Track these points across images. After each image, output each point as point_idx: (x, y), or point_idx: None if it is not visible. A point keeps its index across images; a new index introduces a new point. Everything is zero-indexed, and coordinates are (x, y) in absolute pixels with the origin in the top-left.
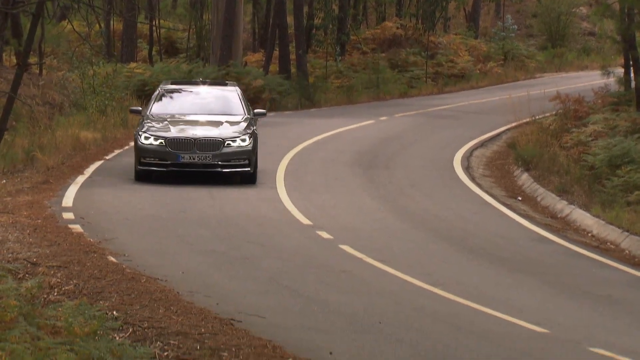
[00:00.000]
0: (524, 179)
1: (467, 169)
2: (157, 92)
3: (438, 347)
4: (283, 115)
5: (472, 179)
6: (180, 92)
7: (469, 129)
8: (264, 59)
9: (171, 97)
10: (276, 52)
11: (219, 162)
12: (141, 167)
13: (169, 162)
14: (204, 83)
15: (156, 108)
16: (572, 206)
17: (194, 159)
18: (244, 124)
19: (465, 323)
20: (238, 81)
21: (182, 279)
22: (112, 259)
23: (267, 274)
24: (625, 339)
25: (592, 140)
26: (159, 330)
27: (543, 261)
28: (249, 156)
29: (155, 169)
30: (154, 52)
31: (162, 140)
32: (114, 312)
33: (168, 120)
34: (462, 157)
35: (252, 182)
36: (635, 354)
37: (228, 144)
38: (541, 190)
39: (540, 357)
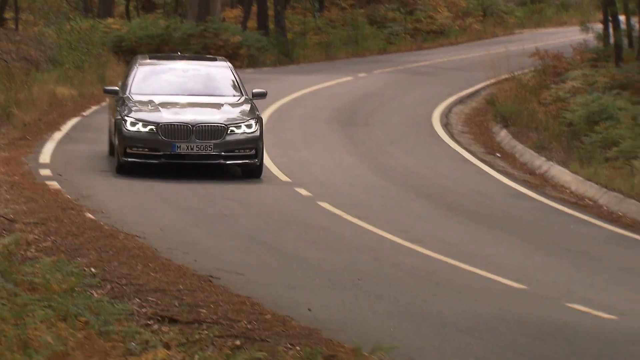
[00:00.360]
0: (503, 135)
1: (446, 125)
2: (135, 68)
3: (417, 303)
4: (261, 72)
5: (451, 136)
6: (162, 69)
7: (447, 85)
8: (242, 15)
9: (152, 75)
10: (254, 8)
11: (222, 153)
12: (127, 159)
13: (161, 152)
14: (183, 57)
15: (136, 87)
16: (551, 162)
17: (191, 148)
18: (247, 107)
19: (444, 279)
20: (216, 37)
21: (160, 236)
22: (89, 215)
23: (246, 231)
24: (603, 294)
25: (570, 96)
26: (137, 287)
27: (522, 218)
28: (256, 145)
29: (144, 161)
30: (131, 8)
31: (153, 127)
32: (92, 269)
33: (156, 102)
34: (441, 114)
35: (257, 176)
36: (612, 309)
37: (232, 130)
38: (520, 146)
39: (518, 313)
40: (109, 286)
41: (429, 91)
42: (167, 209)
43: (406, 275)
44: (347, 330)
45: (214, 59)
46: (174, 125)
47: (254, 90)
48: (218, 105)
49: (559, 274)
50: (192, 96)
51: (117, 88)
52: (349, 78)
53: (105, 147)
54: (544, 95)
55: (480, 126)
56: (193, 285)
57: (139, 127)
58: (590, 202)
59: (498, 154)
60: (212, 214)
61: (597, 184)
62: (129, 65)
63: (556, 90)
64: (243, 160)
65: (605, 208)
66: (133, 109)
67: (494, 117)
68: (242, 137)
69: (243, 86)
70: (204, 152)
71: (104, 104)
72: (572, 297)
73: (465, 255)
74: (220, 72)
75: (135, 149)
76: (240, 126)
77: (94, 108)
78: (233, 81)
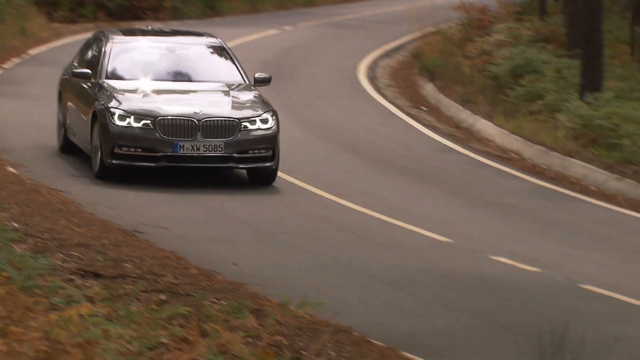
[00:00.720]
0: (429, 89)
1: (372, 79)
2: (107, 45)
3: (342, 258)
4: (186, 25)
5: (377, 90)
6: (141, 47)
7: (374, 39)
8: None
9: (131, 55)
10: None
11: (234, 155)
12: (115, 162)
13: (160, 153)
14: (163, 33)
15: (114, 71)
16: (476, 116)
17: (197, 149)
18: (255, 96)
19: (370, 233)
20: None
21: (84, 191)
22: (11, 169)
23: (171, 184)
24: (527, 247)
25: (495, 49)
26: (60, 241)
27: (447, 171)
28: (274, 145)
29: (137, 163)
30: None
31: (149, 122)
32: (14, 224)
33: (147, 90)
34: (367, 68)
35: (270, 182)
36: (536, 261)
37: (245, 126)
38: (445, 100)
39: (444, 266)
40: (31, 241)
41: (355, 44)
42: (90, 163)
43: (332, 229)
44: (273, 285)
45: (200, 34)
46: (176, 119)
47: (256, 75)
48: (224, 95)
49: (484, 227)
50: (186, 82)
51: (88, 71)
52: (274, 31)
53: (27, 99)
54: (469, 49)
55: (406, 80)
56: (117, 240)
57: (130, 121)
58: (515, 156)
59: (424, 108)
60: (136, 168)
61: (521, 137)
62: (92, 41)
63: (481, 44)
64: (258, 163)
65: (530, 161)
66: (118, 97)
67: (420, 71)
68: (257, 134)
69: (244, 70)
70: (212, 154)
71: (26, 57)
72: (497, 250)
73: (391, 209)
74: (212, 51)
75: (126, 148)
76: (255, 121)
77: (15, 60)
78: (230, 64)
